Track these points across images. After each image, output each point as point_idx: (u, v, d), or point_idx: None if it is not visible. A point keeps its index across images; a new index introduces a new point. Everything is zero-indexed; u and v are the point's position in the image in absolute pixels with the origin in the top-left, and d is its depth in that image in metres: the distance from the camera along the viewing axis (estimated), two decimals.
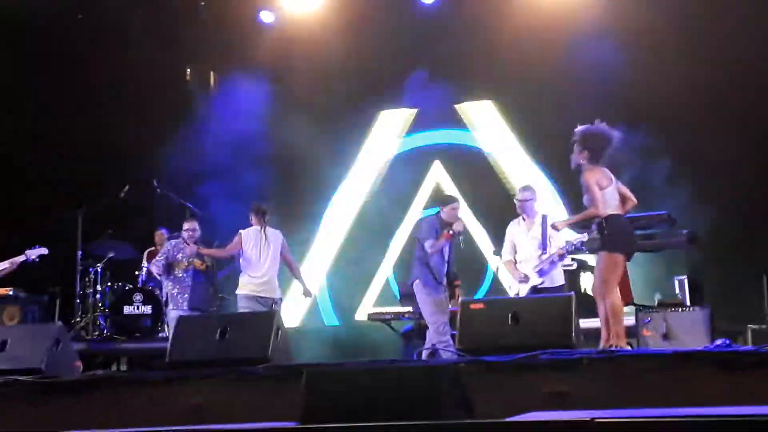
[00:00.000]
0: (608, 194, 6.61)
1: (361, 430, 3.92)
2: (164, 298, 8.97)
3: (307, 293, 9.05)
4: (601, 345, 6.54)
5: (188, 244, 8.78)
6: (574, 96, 10.16)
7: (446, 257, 8.50)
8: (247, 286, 8.57)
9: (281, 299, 8.90)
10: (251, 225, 8.75)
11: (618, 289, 6.61)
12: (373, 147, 12.37)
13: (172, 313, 8.59)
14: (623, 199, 6.77)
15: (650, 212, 8.97)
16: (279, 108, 12.07)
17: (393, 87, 11.54)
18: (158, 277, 9.31)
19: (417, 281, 8.46)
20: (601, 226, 6.60)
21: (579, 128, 6.76)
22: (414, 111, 12.16)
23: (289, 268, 8.96)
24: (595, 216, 6.60)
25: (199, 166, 11.03)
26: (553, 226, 7.28)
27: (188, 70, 12.84)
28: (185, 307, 8.66)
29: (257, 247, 8.65)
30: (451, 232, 8.36)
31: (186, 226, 8.94)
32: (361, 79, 11.54)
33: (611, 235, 6.56)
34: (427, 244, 8.36)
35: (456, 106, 11.94)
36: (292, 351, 6.71)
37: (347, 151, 12.16)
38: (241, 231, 8.72)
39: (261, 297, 8.50)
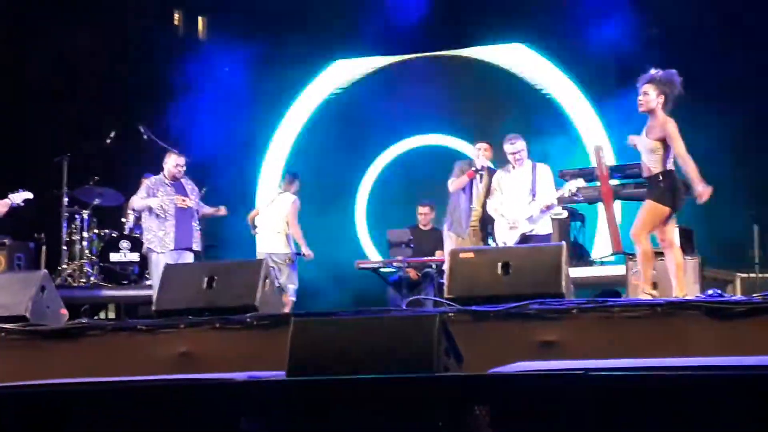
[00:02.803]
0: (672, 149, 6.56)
1: (349, 383, 3.89)
2: (145, 243, 8.69)
3: (301, 254, 9.56)
4: (675, 294, 6.51)
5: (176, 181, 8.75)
6: None
7: (474, 201, 8.47)
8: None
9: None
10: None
11: (648, 237, 6.64)
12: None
13: (160, 257, 8.37)
14: None
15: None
16: (271, 55, 11.96)
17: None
18: (138, 215, 9.17)
19: (444, 227, 8.67)
20: (658, 179, 6.56)
21: (656, 71, 6.61)
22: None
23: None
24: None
25: (187, 113, 10.92)
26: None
27: (176, 14, 12.65)
28: (172, 248, 8.48)
29: (263, 209, 9.58)
30: (473, 168, 8.39)
31: (175, 161, 8.74)
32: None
33: (668, 191, 6.54)
34: (449, 182, 8.46)
35: None
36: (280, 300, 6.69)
37: None
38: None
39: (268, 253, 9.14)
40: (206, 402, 4.13)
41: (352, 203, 12.41)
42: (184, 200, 8.64)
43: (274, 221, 9.40)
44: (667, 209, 6.58)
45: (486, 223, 8.48)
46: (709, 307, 5.05)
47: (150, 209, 8.57)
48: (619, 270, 8.53)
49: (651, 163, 6.63)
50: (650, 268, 6.62)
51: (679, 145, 6.52)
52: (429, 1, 11.28)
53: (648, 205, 6.65)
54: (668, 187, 6.56)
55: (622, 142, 9.10)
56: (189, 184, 8.85)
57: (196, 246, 8.72)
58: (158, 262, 8.24)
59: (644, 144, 6.65)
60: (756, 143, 9.96)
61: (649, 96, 6.58)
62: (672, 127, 6.54)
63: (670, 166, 6.58)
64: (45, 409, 4.27)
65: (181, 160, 8.76)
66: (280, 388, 4.16)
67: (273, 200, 9.58)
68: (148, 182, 8.82)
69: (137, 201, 8.77)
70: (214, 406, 4.11)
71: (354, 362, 4.24)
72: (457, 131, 11.81)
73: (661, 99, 6.57)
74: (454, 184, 8.49)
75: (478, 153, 8.56)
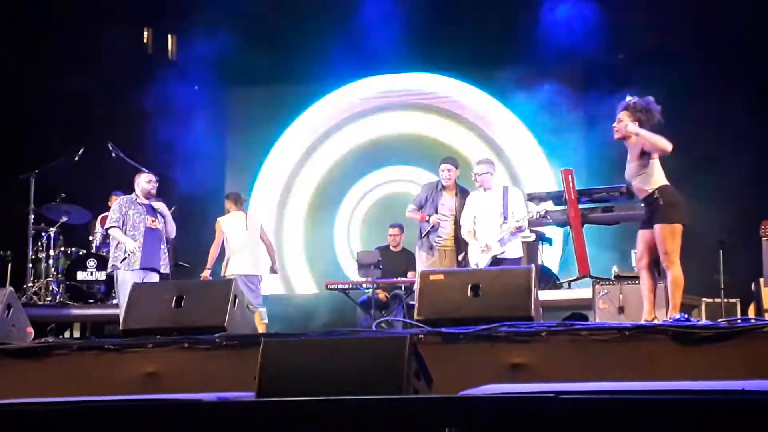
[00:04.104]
0: (659, 164, 6.45)
1: (318, 405, 3.87)
2: (112, 260, 8.64)
3: (274, 271, 9.83)
4: (644, 318, 6.44)
5: (149, 199, 8.76)
6: None
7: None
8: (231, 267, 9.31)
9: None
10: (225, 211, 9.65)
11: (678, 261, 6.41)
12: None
13: (126, 275, 8.34)
14: None
15: (609, 185, 9.02)
16: (241, 75, 11.96)
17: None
18: (105, 234, 9.22)
19: (417, 246, 8.71)
20: (653, 197, 6.40)
21: (631, 99, 6.52)
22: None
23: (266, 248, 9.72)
24: (663, 150, 6.36)
25: (156, 131, 10.89)
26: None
27: (146, 32, 12.62)
28: (137, 267, 8.42)
29: (238, 231, 9.40)
30: (427, 218, 8.49)
31: (148, 177, 8.76)
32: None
33: (669, 206, 6.36)
34: (408, 208, 8.58)
35: None
36: (249, 320, 6.66)
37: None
38: (219, 219, 9.55)
39: (245, 275, 9.17)
40: (174, 423, 4.09)
41: (334, 224, 12.50)
42: (154, 221, 8.64)
43: (254, 242, 9.47)
44: (679, 225, 6.37)
45: (460, 244, 8.52)
46: (675, 331, 5.09)
47: (120, 227, 8.52)
48: (585, 293, 8.59)
49: (644, 184, 6.47)
50: (680, 294, 6.38)
51: (649, 137, 6.37)
52: (400, 26, 11.33)
53: (663, 229, 6.35)
54: (668, 203, 6.36)
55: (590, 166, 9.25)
56: (160, 208, 8.83)
57: (164, 268, 8.68)
58: (125, 281, 8.21)
59: (631, 170, 6.54)
60: (720, 170, 10.07)
61: (623, 123, 6.47)
62: (642, 131, 6.43)
63: (664, 180, 6.45)
64: (8, 429, 4.21)
65: (153, 177, 8.78)
66: (249, 409, 4.13)
67: (246, 219, 9.50)
68: (119, 201, 8.78)
69: (116, 232, 8.59)
70: (182, 428, 4.07)
71: (323, 384, 4.23)
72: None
73: (635, 125, 6.53)
74: (409, 213, 8.67)
75: (442, 173, 8.62)
